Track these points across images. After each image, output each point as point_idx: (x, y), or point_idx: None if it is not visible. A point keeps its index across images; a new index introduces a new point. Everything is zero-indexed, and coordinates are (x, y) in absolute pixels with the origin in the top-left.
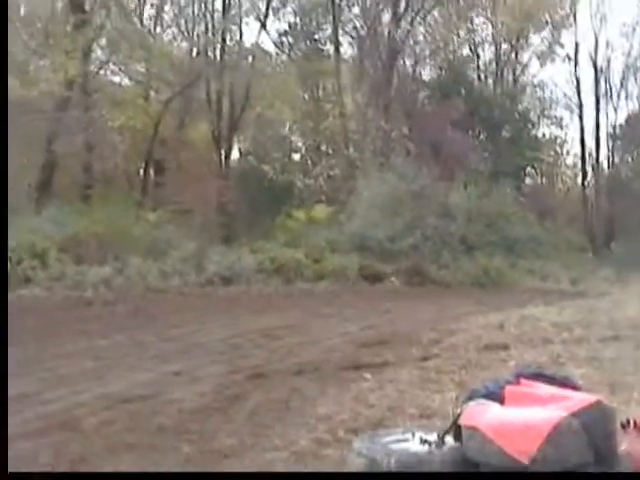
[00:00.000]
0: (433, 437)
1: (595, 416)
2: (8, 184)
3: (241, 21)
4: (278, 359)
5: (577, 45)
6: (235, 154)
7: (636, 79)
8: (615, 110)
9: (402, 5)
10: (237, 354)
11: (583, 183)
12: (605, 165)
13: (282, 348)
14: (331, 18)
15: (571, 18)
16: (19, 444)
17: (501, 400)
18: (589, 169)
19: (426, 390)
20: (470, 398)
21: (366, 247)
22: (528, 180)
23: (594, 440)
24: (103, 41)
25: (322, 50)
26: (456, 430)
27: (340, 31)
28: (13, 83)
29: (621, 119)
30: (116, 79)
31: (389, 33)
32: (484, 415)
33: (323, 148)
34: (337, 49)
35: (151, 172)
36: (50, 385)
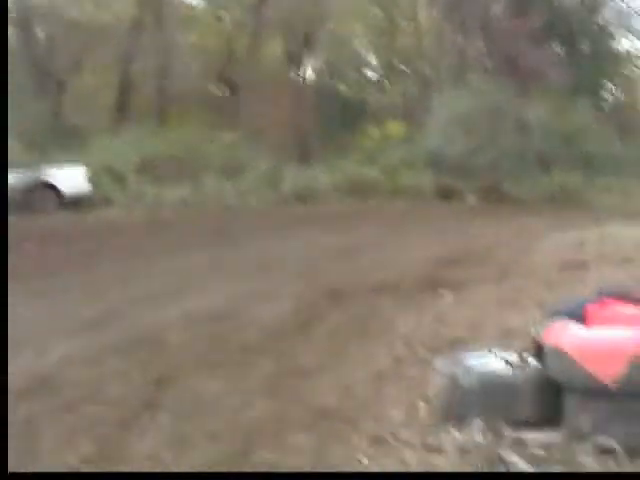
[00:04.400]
0: (514, 357)
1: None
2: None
3: None
4: (356, 277)
5: None
6: (309, 72)
7: None
8: None
9: None
10: (315, 272)
11: None
12: None
13: (359, 266)
14: None
15: None
16: (109, 361)
17: (583, 319)
18: None
19: (505, 309)
20: (552, 316)
21: (442, 164)
22: (608, 96)
23: None
24: None
25: None
26: (538, 350)
27: None
28: (88, 7)
29: None
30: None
31: None
32: (567, 334)
33: (398, 66)
34: None
35: (225, 92)
36: (133, 303)
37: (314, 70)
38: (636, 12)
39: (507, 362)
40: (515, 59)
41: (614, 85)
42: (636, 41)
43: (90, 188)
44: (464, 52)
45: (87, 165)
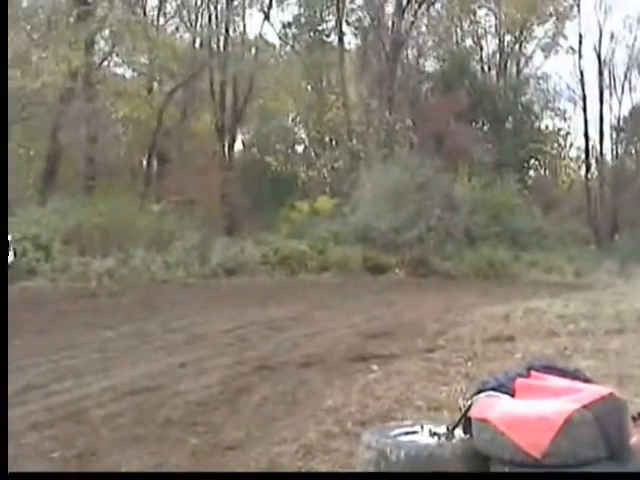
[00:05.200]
0: (442, 430)
1: (607, 409)
2: (11, 176)
3: (244, 12)
4: (284, 351)
5: (581, 37)
6: (239, 145)
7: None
8: (619, 102)
9: None
10: (242, 346)
11: (587, 175)
12: (609, 157)
13: (288, 340)
14: (335, 9)
15: (575, 10)
16: (28, 437)
17: (512, 392)
18: (593, 161)
19: (433, 382)
20: (480, 390)
21: (370, 238)
22: (532, 172)
23: (606, 433)
24: (106, 32)
25: (325, 41)
26: (466, 423)
27: (344, 22)
28: (16, 74)
29: (625, 111)
30: (119, 70)
31: (392, 25)
32: (495, 407)
33: (327, 140)
34: (341, 40)
35: (154, 163)
36: (56, 377)
37: (244, 143)
38: (557, 92)
39: (435, 435)
40: (442, 135)
41: (537, 162)
42: (557, 119)
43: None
44: (392, 127)
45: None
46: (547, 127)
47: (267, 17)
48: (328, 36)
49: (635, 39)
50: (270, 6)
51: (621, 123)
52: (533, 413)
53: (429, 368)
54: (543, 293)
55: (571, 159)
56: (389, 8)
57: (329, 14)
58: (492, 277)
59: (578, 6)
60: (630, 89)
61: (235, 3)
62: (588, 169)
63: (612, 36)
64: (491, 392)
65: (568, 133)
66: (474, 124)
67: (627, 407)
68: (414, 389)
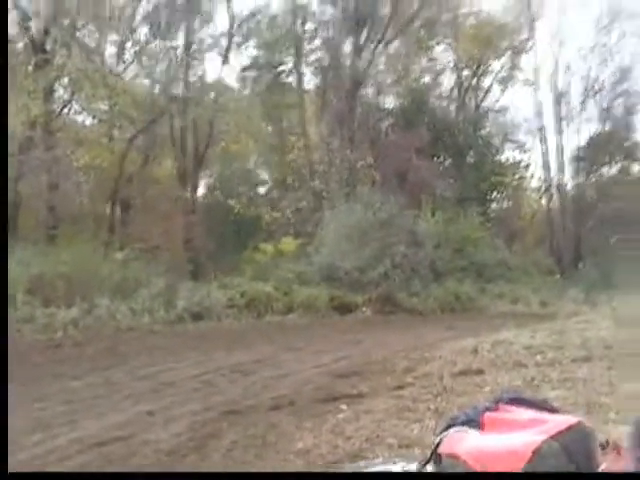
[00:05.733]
0: (414, 467)
1: (575, 438)
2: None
3: (203, 57)
4: (252, 394)
5: (537, 69)
6: (201, 189)
7: (596, 101)
8: (577, 132)
9: (363, 36)
10: (210, 391)
11: (548, 205)
12: (569, 187)
13: (255, 383)
14: (293, 50)
15: (530, 43)
16: None
17: (481, 426)
18: (554, 191)
19: (403, 419)
20: (449, 426)
21: (335, 278)
22: (494, 204)
23: (575, 462)
24: (65, 80)
25: (285, 83)
26: (436, 459)
27: (302, 63)
28: None
29: (583, 141)
30: (79, 118)
31: (351, 63)
32: (464, 442)
33: (289, 181)
34: (300, 81)
35: (117, 210)
36: (24, 431)
37: (206, 187)
38: (516, 124)
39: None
40: (404, 172)
41: (499, 194)
42: (517, 151)
43: None
44: (354, 165)
45: None
46: (507, 159)
47: (226, 60)
48: (287, 77)
49: (589, 69)
50: (229, 49)
51: (580, 153)
52: (501, 447)
53: (399, 405)
54: (510, 325)
55: (532, 190)
56: (347, 47)
57: (288, 55)
58: (459, 311)
59: (533, 39)
60: (587, 119)
61: (194, 48)
62: (550, 199)
63: (567, 67)
64: (460, 427)
65: (528, 164)
66: (435, 159)
67: (595, 435)
68: (384, 427)
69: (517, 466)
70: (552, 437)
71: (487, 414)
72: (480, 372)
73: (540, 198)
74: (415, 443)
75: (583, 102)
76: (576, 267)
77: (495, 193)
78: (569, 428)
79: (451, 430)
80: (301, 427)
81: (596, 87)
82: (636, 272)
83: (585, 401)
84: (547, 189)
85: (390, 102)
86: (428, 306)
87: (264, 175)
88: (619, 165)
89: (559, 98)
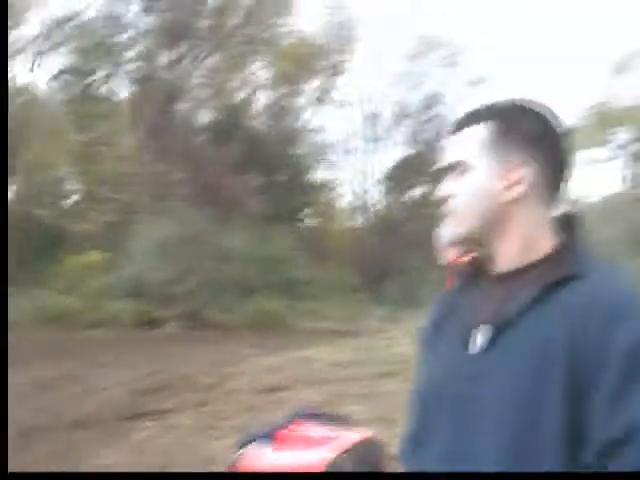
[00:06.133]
0: None
1: (366, 452)
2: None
3: (12, 61)
4: (53, 412)
5: (351, 92)
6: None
7: (406, 125)
8: (387, 154)
9: (180, 49)
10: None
11: (357, 225)
12: (378, 207)
13: (57, 400)
14: (108, 59)
15: (345, 65)
16: None
17: (276, 443)
18: (363, 211)
19: (206, 436)
20: (246, 442)
21: (144, 292)
22: (304, 222)
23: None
24: None
25: (98, 92)
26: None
27: (117, 72)
28: None
29: (392, 163)
30: None
31: (167, 76)
32: (261, 459)
33: (99, 192)
34: (113, 91)
35: None
36: None
37: (14, 198)
38: (329, 144)
39: None
40: (216, 187)
41: (310, 212)
42: (329, 171)
43: None
44: (166, 179)
45: None
46: (319, 178)
47: (37, 65)
48: (100, 86)
49: (401, 94)
50: (40, 54)
51: (389, 174)
52: (296, 462)
53: (202, 422)
54: (316, 341)
55: (343, 209)
56: (163, 59)
57: (102, 63)
58: (267, 327)
59: (348, 61)
60: (397, 142)
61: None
62: (358, 219)
63: (380, 91)
64: (257, 444)
65: (340, 184)
66: (248, 176)
67: (386, 449)
68: (187, 444)
69: None
70: (344, 452)
71: (283, 430)
72: (285, 388)
73: (350, 218)
74: (216, 460)
75: (394, 125)
76: (382, 285)
77: (306, 211)
78: (360, 443)
79: (249, 447)
80: (103, 445)
81: (406, 111)
82: (439, 291)
83: (384, 416)
84: (357, 209)
85: (205, 117)
86: (236, 322)
87: (74, 185)
88: (426, 187)
89: (371, 120)
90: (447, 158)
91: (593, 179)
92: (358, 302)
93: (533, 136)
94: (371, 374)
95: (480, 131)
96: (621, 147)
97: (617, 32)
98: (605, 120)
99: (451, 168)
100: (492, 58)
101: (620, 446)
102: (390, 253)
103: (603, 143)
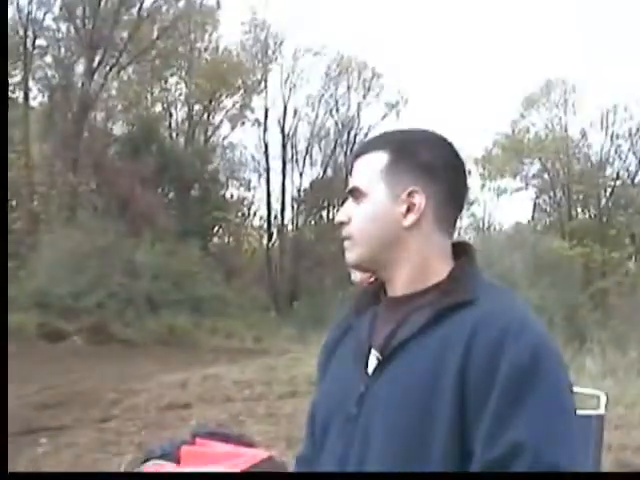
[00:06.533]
0: None
1: (268, 471)
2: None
3: None
4: None
5: (267, 111)
6: None
7: (320, 147)
8: (300, 175)
9: (97, 58)
10: None
11: (268, 244)
12: (290, 227)
13: None
14: (21, 64)
15: (262, 84)
16: None
17: (177, 460)
18: (274, 231)
19: (105, 452)
20: (146, 459)
21: (47, 304)
22: (215, 240)
23: None
24: None
25: (10, 98)
26: None
27: (30, 79)
28: None
29: (306, 184)
30: None
31: (82, 85)
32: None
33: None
34: (26, 97)
35: None
36: None
37: None
38: (243, 162)
39: None
40: (127, 200)
41: (221, 230)
42: (242, 189)
43: None
44: (76, 190)
45: None
46: (232, 196)
47: None
48: (13, 92)
49: (316, 116)
50: None
51: (302, 195)
52: None
53: (102, 439)
54: (222, 359)
55: (254, 228)
56: (79, 68)
57: (15, 69)
58: (173, 344)
59: (265, 81)
60: (311, 163)
61: None
62: (270, 238)
63: (296, 112)
64: (157, 461)
65: (252, 203)
66: (160, 190)
67: (285, 468)
68: (84, 462)
69: None
70: (246, 469)
71: (183, 447)
72: (188, 406)
73: (261, 237)
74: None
75: (308, 146)
76: (291, 305)
77: (217, 228)
78: (260, 462)
79: (148, 464)
80: None
81: (322, 133)
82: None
83: (287, 435)
84: (268, 228)
85: (119, 129)
86: (142, 338)
87: None
88: (337, 209)
89: (286, 141)
90: (347, 184)
91: (503, 208)
92: (267, 321)
93: (428, 165)
94: (276, 394)
95: (377, 159)
96: (531, 178)
97: (529, 66)
98: (516, 151)
99: (350, 193)
100: (408, 84)
101: (500, 467)
102: (300, 273)
103: (513, 173)
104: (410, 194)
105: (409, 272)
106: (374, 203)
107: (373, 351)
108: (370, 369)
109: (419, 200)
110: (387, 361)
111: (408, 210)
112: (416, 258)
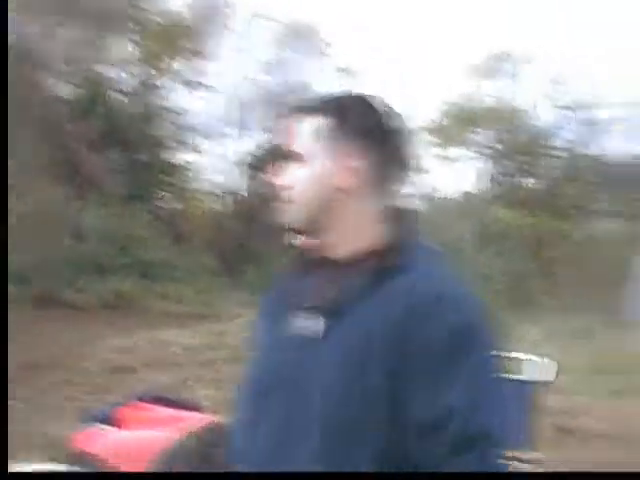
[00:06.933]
0: (62, 467)
1: (212, 435)
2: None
3: None
4: None
5: (219, 76)
6: None
7: (270, 113)
8: (252, 140)
9: (42, 20)
10: None
11: (218, 209)
12: (241, 192)
13: None
14: None
15: (216, 49)
16: None
17: (118, 423)
18: (224, 195)
19: (51, 417)
20: (87, 422)
21: None
22: (163, 204)
23: (209, 456)
24: None
25: None
26: (74, 457)
27: None
28: None
29: (255, 149)
30: None
31: (28, 46)
32: (100, 439)
33: None
34: None
35: None
36: None
37: None
38: (193, 127)
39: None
40: (72, 163)
41: (170, 194)
42: (191, 153)
43: None
44: (21, 152)
45: None
46: (180, 160)
47: None
48: None
49: (269, 82)
50: None
51: (252, 160)
52: (136, 443)
53: (48, 403)
54: (172, 324)
55: (204, 193)
56: (26, 29)
57: None
58: (121, 309)
59: (219, 45)
60: (263, 129)
61: None
62: (220, 203)
63: (249, 77)
64: (95, 424)
65: (201, 167)
66: (106, 153)
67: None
68: (25, 425)
69: (152, 462)
70: (188, 434)
71: (124, 411)
72: (134, 370)
73: (211, 201)
74: (56, 442)
75: (261, 112)
76: (242, 270)
77: (165, 193)
78: (207, 425)
79: (88, 427)
80: None
81: (272, 99)
82: None
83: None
84: (218, 193)
85: (65, 90)
86: (89, 302)
87: None
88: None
89: (238, 106)
90: (286, 147)
91: (450, 177)
92: (217, 286)
93: (367, 130)
94: (225, 358)
95: (315, 122)
96: (481, 147)
97: (479, 37)
98: (464, 120)
99: (289, 157)
100: (359, 51)
101: (436, 429)
102: (250, 238)
103: (463, 143)
104: (348, 159)
105: (345, 236)
106: (312, 167)
107: (313, 313)
108: (304, 331)
109: (358, 164)
110: (327, 323)
111: (345, 175)
112: (352, 222)
